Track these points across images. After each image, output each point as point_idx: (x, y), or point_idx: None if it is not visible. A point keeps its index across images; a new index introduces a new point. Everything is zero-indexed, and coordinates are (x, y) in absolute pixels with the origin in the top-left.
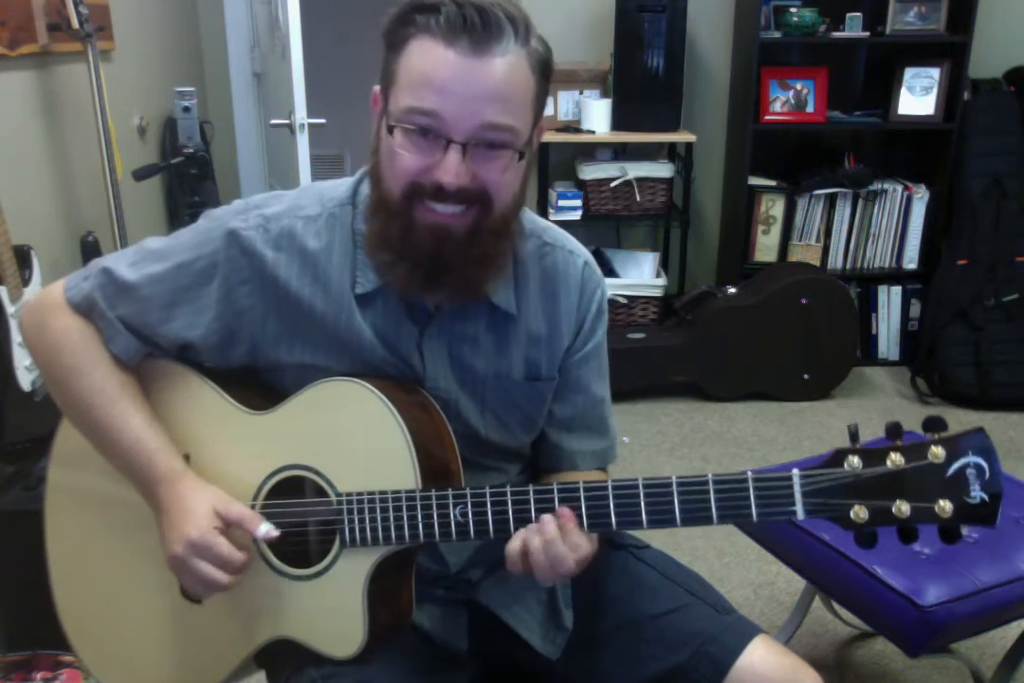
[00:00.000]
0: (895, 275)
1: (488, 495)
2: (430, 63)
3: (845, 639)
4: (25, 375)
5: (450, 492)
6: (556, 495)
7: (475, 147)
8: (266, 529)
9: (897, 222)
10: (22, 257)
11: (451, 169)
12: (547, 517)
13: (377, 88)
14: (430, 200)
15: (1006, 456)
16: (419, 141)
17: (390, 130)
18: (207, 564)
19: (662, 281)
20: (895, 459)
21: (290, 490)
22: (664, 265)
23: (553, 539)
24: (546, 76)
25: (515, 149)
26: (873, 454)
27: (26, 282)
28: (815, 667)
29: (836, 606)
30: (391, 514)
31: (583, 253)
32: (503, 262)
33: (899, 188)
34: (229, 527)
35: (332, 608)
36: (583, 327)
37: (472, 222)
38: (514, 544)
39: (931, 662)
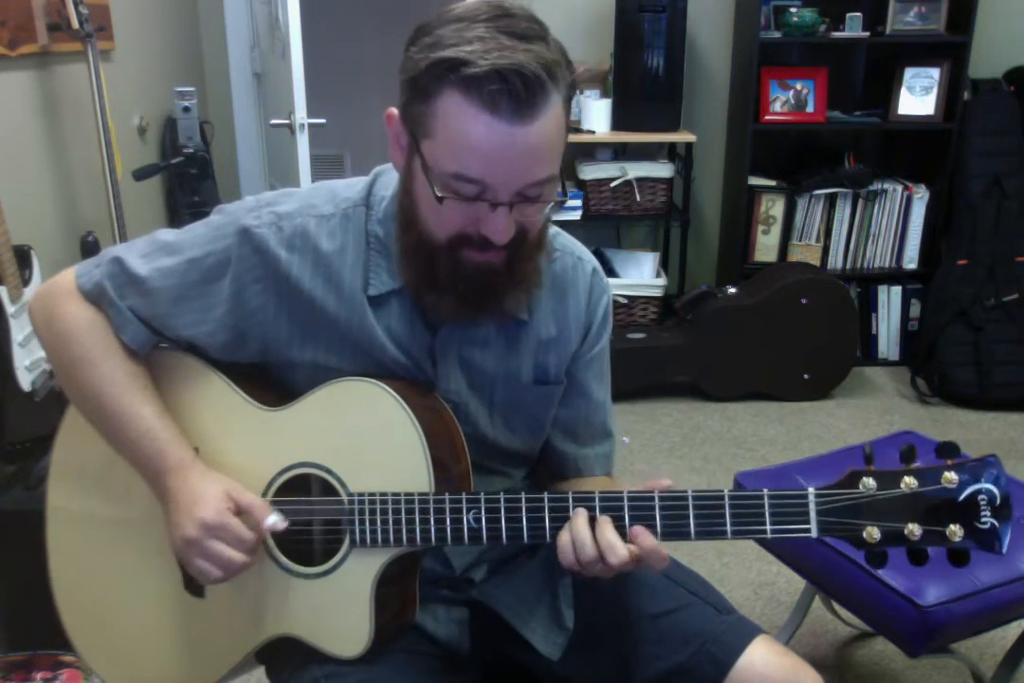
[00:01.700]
0: (895, 275)
1: (502, 501)
2: (474, 131)
3: (845, 639)
4: (25, 375)
5: (464, 497)
6: (571, 503)
7: (519, 203)
8: (274, 519)
9: (897, 222)
10: (22, 257)
11: (500, 229)
12: (580, 509)
13: (395, 111)
14: (476, 248)
15: (1006, 456)
16: (466, 202)
17: (432, 186)
18: (223, 544)
19: (662, 281)
20: (909, 482)
21: (300, 488)
22: (664, 265)
23: (576, 520)
24: (571, 98)
25: (554, 198)
26: (887, 476)
27: (26, 282)
28: (815, 667)
29: (836, 606)
30: (403, 516)
31: (591, 259)
32: (538, 277)
33: (899, 188)
34: (240, 514)
35: (339, 607)
36: (590, 331)
37: (511, 254)
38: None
39: (931, 662)
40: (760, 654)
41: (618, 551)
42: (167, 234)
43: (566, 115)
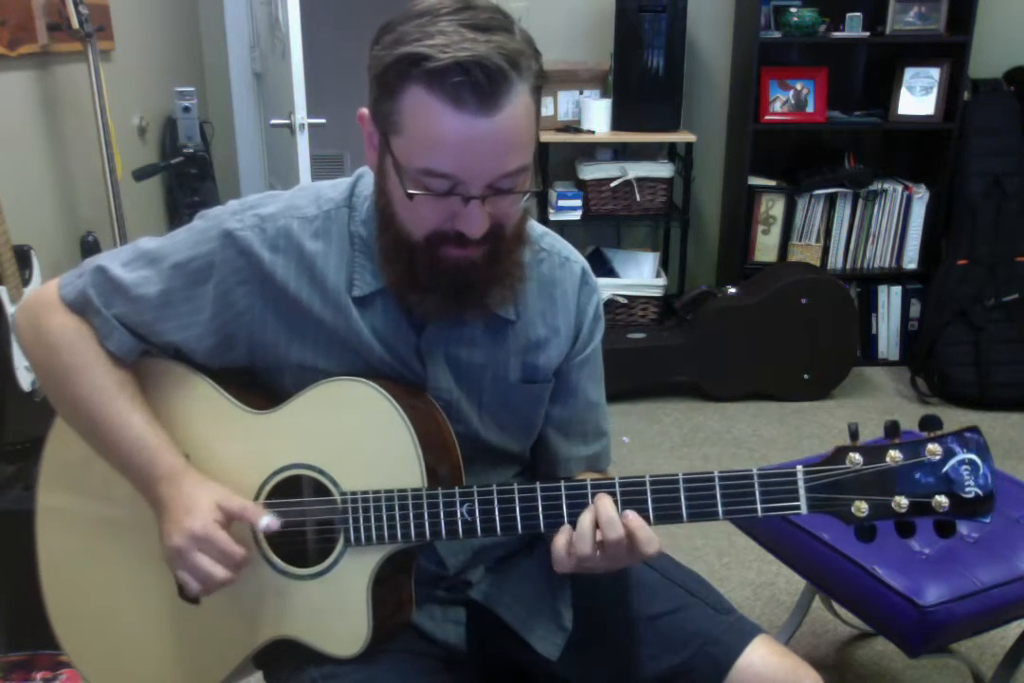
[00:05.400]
0: (895, 275)
1: (495, 493)
2: (440, 125)
3: (845, 639)
4: (25, 375)
5: (457, 490)
6: (563, 492)
7: (492, 196)
8: (267, 520)
9: (897, 222)
10: (22, 257)
11: (474, 223)
12: (603, 494)
13: (366, 111)
14: (454, 244)
15: (1006, 456)
16: (438, 198)
17: (402, 183)
18: (207, 557)
19: (662, 281)
20: (894, 456)
21: (292, 490)
22: (664, 265)
23: (602, 501)
24: (540, 88)
25: (527, 189)
26: (873, 451)
27: (26, 282)
28: (815, 667)
29: (836, 606)
30: (397, 513)
31: (579, 259)
32: (521, 272)
33: (899, 188)
34: (231, 522)
35: (336, 607)
36: (581, 332)
37: (491, 249)
38: (559, 540)
39: (931, 662)
40: (760, 654)
41: (617, 527)
42: (149, 242)
43: (535, 105)
